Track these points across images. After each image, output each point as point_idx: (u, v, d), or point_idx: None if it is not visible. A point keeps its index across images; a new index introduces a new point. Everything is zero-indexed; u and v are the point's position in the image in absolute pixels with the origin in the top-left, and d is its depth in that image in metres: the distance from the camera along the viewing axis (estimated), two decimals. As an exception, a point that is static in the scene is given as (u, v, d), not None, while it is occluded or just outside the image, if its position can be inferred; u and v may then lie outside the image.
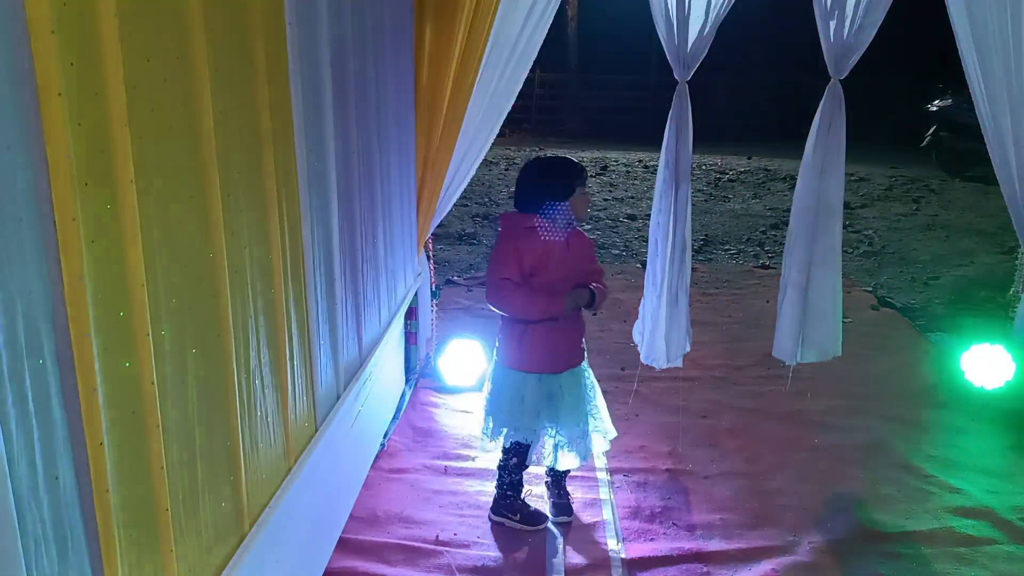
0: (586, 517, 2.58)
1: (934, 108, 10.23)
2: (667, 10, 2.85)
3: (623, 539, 2.46)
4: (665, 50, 2.92)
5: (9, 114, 0.82)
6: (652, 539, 2.47)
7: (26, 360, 0.86)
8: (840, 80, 2.88)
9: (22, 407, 0.85)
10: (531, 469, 2.57)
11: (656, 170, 3.02)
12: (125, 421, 1.04)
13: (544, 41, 3.25)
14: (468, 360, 3.52)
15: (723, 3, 2.81)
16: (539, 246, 2.29)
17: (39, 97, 0.87)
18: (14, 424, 0.84)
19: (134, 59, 1.03)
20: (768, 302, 4.97)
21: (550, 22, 3.19)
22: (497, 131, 3.41)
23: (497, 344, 2.47)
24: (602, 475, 2.83)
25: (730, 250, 6.65)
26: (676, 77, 2.94)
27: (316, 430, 1.91)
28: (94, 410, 0.97)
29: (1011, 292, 3.81)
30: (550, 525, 2.51)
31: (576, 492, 2.69)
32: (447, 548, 2.37)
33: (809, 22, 2.87)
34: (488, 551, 2.37)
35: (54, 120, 0.88)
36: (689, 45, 2.88)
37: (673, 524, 2.55)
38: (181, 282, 1.19)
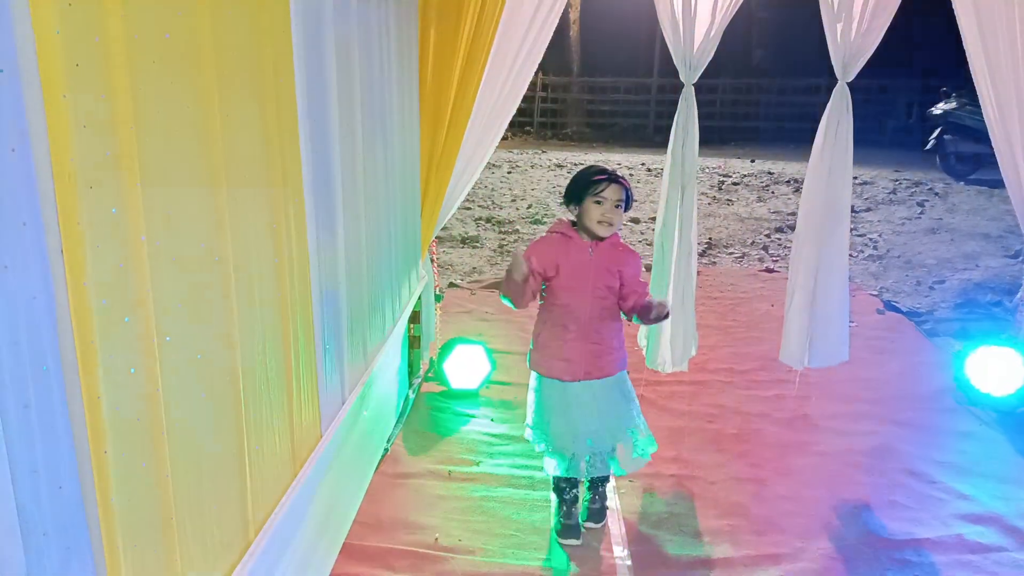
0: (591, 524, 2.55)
1: (938, 111, 10.21)
2: (673, 12, 2.84)
3: (628, 546, 2.44)
4: (671, 52, 2.91)
5: (13, 116, 0.81)
6: (658, 546, 2.44)
7: (29, 367, 0.84)
8: (847, 83, 2.87)
9: (25, 415, 0.84)
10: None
11: (659, 173, 3.01)
12: (130, 429, 1.02)
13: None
14: (472, 364, 3.50)
15: (729, 4, 2.80)
16: (553, 250, 2.31)
17: (44, 99, 0.85)
18: (17, 432, 0.82)
19: (140, 61, 1.02)
20: (773, 305, 4.95)
21: (555, 25, 3.17)
22: (501, 134, 3.39)
23: None
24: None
25: (734, 253, 6.63)
26: (682, 79, 2.93)
27: (321, 436, 1.89)
28: (99, 418, 0.95)
29: (1018, 295, 3.79)
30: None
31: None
32: (451, 554, 2.35)
33: (816, 24, 2.86)
34: (493, 557, 2.35)
35: (59, 122, 0.87)
36: (695, 47, 2.87)
37: (679, 531, 2.52)
38: (187, 287, 1.17)
